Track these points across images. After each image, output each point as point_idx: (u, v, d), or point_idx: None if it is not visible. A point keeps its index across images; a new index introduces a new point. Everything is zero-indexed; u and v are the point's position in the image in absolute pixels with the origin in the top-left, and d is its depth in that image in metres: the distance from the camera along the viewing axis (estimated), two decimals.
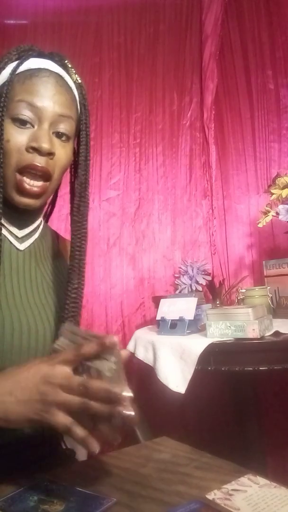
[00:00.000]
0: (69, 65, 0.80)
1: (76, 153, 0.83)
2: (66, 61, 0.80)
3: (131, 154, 1.87)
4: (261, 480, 0.59)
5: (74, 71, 0.80)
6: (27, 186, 0.71)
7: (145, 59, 1.91)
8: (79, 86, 0.81)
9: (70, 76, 0.79)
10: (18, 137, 0.71)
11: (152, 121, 1.90)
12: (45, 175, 0.72)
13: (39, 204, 0.76)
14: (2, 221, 0.77)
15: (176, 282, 1.73)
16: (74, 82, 0.80)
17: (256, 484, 0.58)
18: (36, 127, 0.72)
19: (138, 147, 1.88)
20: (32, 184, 0.72)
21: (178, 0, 1.93)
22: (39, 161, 0.71)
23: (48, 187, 0.74)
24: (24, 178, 0.71)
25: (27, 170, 0.71)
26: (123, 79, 1.89)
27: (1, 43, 1.82)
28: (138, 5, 1.92)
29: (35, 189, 0.72)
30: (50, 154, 0.72)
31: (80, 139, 0.81)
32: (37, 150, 0.70)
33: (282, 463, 1.63)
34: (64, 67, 0.79)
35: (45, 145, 0.70)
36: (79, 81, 0.81)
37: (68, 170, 0.85)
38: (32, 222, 0.82)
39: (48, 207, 0.92)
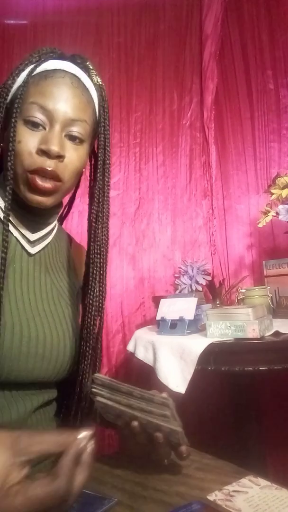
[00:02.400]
0: (91, 67, 0.78)
1: (95, 156, 0.81)
2: (87, 63, 0.78)
3: (131, 154, 1.87)
4: (262, 482, 0.59)
5: (95, 73, 0.79)
6: (39, 182, 0.71)
7: (145, 59, 1.91)
8: (99, 88, 0.79)
9: (91, 77, 0.78)
10: (30, 139, 0.71)
11: (152, 121, 1.90)
12: (54, 178, 0.72)
13: (51, 202, 0.75)
14: (15, 224, 0.76)
15: (176, 282, 1.73)
16: (95, 84, 0.78)
17: (257, 485, 0.58)
18: (47, 129, 0.71)
19: (138, 147, 1.88)
20: (44, 182, 0.71)
21: (178, 0, 1.93)
22: (49, 164, 0.70)
23: (60, 186, 0.73)
24: (36, 177, 0.71)
25: (37, 172, 0.71)
26: (123, 78, 1.89)
27: (1, 43, 1.82)
28: (138, 5, 1.91)
29: (47, 185, 0.71)
30: (59, 157, 0.71)
31: (98, 142, 0.79)
32: (46, 153, 0.70)
33: (283, 464, 1.63)
34: (85, 68, 0.78)
35: (54, 147, 0.69)
36: (100, 82, 0.79)
37: (88, 173, 0.84)
38: (46, 225, 0.80)
39: (64, 209, 0.90)
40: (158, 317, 1.39)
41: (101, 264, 0.81)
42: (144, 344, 1.33)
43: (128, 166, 1.86)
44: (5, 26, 1.83)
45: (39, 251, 0.80)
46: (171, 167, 1.90)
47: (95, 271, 0.80)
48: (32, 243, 0.78)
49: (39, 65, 0.73)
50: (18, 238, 0.76)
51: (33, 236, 0.78)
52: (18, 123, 0.71)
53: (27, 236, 0.77)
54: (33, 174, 0.71)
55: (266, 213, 1.49)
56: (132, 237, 1.83)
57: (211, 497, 0.56)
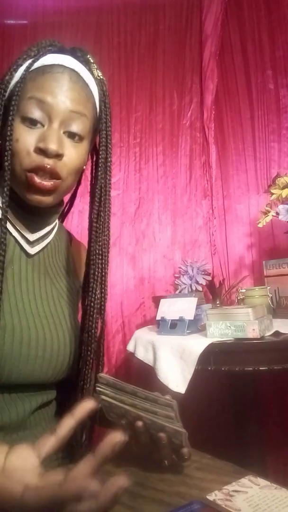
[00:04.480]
0: (91, 60, 0.76)
1: (97, 153, 0.80)
2: (88, 56, 0.76)
3: (131, 154, 1.87)
4: (262, 481, 0.59)
5: (96, 67, 0.76)
6: (37, 181, 0.69)
7: (145, 59, 1.91)
8: (99, 82, 0.77)
9: (92, 71, 0.76)
10: (27, 137, 0.69)
11: (152, 121, 1.90)
12: (53, 176, 0.70)
13: (50, 201, 0.73)
14: (14, 224, 0.75)
15: (176, 282, 1.73)
16: (95, 78, 0.76)
17: (257, 485, 0.58)
18: (46, 126, 0.69)
19: (138, 147, 1.88)
20: (42, 180, 0.69)
21: (178, 0, 1.93)
22: (47, 162, 0.68)
23: (59, 184, 0.71)
24: (34, 175, 0.69)
25: (36, 171, 0.69)
26: (123, 78, 1.89)
27: (1, 43, 1.82)
28: (138, 5, 1.91)
29: (46, 183, 0.69)
30: (58, 155, 0.69)
31: (100, 139, 0.78)
32: (44, 152, 0.68)
33: (283, 464, 1.63)
34: (86, 62, 0.76)
35: (52, 146, 0.67)
36: (101, 76, 0.77)
37: (90, 171, 0.83)
38: (46, 225, 0.79)
39: (65, 207, 0.89)
40: (158, 317, 1.39)
41: (103, 265, 0.79)
42: (144, 344, 1.33)
43: (128, 166, 1.86)
44: (5, 26, 1.83)
45: (38, 252, 0.78)
46: (171, 167, 1.90)
47: (96, 272, 0.78)
48: (32, 243, 0.77)
49: (37, 59, 0.71)
50: (17, 239, 0.76)
51: (32, 236, 0.77)
52: (15, 121, 0.69)
53: (26, 236, 0.76)
54: (32, 173, 0.69)
55: (266, 213, 1.49)
56: (132, 237, 1.83)
57: (211, 497, 0.56)
